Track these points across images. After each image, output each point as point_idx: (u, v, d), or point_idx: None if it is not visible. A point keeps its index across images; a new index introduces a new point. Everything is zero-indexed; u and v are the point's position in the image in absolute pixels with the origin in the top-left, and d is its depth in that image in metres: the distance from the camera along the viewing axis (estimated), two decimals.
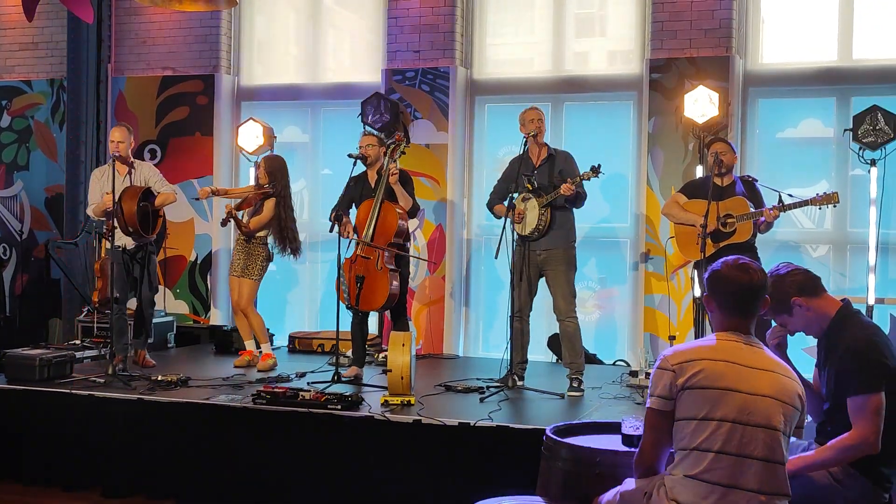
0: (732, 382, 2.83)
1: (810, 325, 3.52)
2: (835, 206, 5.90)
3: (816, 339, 3.60)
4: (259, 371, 6.69)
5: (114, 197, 6.23)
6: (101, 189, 6.52)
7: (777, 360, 2.97)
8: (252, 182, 7.53)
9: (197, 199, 7.31)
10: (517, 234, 6.05)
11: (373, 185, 6.41)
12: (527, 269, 6.03)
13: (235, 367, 6.80)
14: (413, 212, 6.41)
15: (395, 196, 6.25)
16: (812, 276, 3.52)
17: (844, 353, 3.35)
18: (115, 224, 6.37)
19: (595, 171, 5.89)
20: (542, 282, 6.18)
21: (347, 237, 6.18)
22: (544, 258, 6.06)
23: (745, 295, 2.96)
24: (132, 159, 6.58)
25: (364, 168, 6.50)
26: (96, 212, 6.57)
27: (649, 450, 2.97)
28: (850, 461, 3.32)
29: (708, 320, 5.33)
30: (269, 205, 6.79)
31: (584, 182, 5.97)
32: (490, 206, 6.40)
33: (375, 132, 7.32)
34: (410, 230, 6.70)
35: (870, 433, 3.25)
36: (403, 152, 6.41)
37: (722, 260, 3.04)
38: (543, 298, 6.42)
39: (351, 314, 6.36)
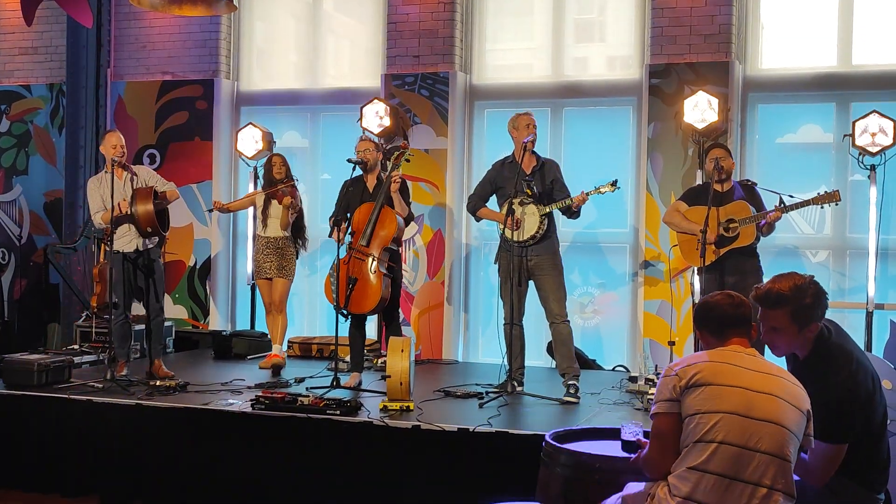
0: (734, 380, 2.88)
1: (791, 347, 3.32)
2: (836, 205, 5.89)
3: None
4: (261, 367, 6.83)
5: (112, 202, 6.21)
6: (101, 197, 6.39)
7: (782, 370, 3.01)
8: (251, 188, 7.65)
9: (211, 210, 7.50)
10: (510, 239, 6.00)
11: (371, 190, 6.40)
12: (516, 274, 6.02)
13: (261, 367, 6.93)
14: (408, 220, 6.41)
15: (393, 203, 6.25)
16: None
17: (819, 403, 3.14)
18: (120, 229, 6.38)
19: (614, 184, 5.96)
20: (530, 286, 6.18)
21: (339, 242, 6.16)
22: (535, 263, 6.05)
23: (732, 317, 3.05)
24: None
25: (360, 173, 6.47)
26: (106, 219, 6.36)
27: (657, 457, 2.98)
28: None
29: None
30: (299, 196, 7.13)
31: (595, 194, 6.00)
32: (473, 208, 6.35)
33: (374, 137, 7.33)
34: (408, 236, 6.72)
35: (822, 475, 3.23)
36: (407, 160, 6.40)
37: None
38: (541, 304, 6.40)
39: (349, 319, 6.34)
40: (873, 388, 3.31)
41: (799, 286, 3.19)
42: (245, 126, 8.29)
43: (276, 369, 6.87)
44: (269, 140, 8.26)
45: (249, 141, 8.22)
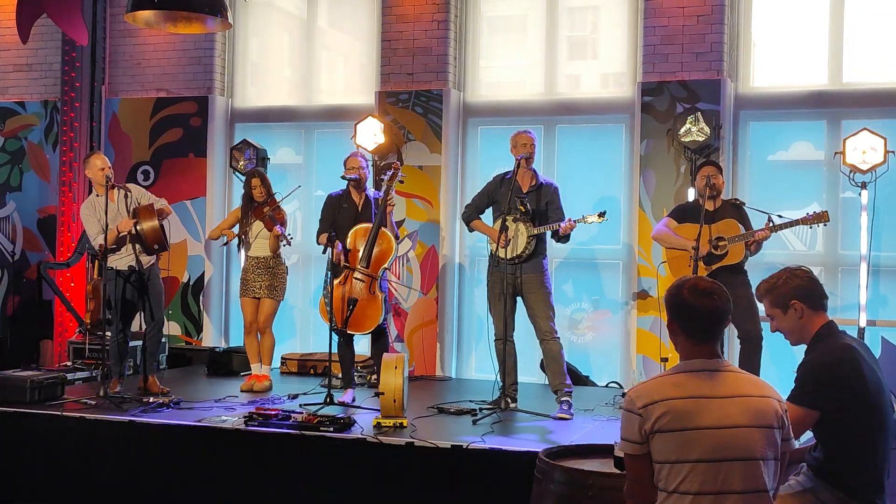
0: (701, 420, 2.74)
1: (793, 332, 3.50)
2: (825, 225, 5.92)
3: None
4: (254, 391, 6.70)
5: (107, 222, 6.20)
6: (98, 220, 6.33)
7: (748, 380, 2.88)
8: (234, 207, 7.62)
9: (225, 244, 7.21)
10: (498, 256, 6.02)
11: (359, 207, 6.42)
12: (505, 290, 6.03)
13: (242, 391, 6.71)
14: (396, 238, 6.48)
15: (386, 223, 6.31)
16: (820, 290, 3.52)
17: (802, 364, 3.41)
18: (121, 246, 6.36)
19: (601, 215, 5.98)
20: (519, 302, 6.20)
21: (339, 262, 6.18)
22: (523, 281, 6.06)
23: (710, 321, 2.87)
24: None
25: (344, 187, 6.50)
26: (110, 240, 6.28)
27: (637, 491, 2.87)
28: None
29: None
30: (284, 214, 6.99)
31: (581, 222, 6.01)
32: (468, 219, 6.37)
33: (365, 153, 7.35)
34: (401, 253, 6.75)
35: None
36: (401, 181, 6.44)
37: (681, 283, 2.94)
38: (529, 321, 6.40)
39: (338, 336, 6.34)
40: (873, 388, 3.34)
41: (772, 276, 3.60)
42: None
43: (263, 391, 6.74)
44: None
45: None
